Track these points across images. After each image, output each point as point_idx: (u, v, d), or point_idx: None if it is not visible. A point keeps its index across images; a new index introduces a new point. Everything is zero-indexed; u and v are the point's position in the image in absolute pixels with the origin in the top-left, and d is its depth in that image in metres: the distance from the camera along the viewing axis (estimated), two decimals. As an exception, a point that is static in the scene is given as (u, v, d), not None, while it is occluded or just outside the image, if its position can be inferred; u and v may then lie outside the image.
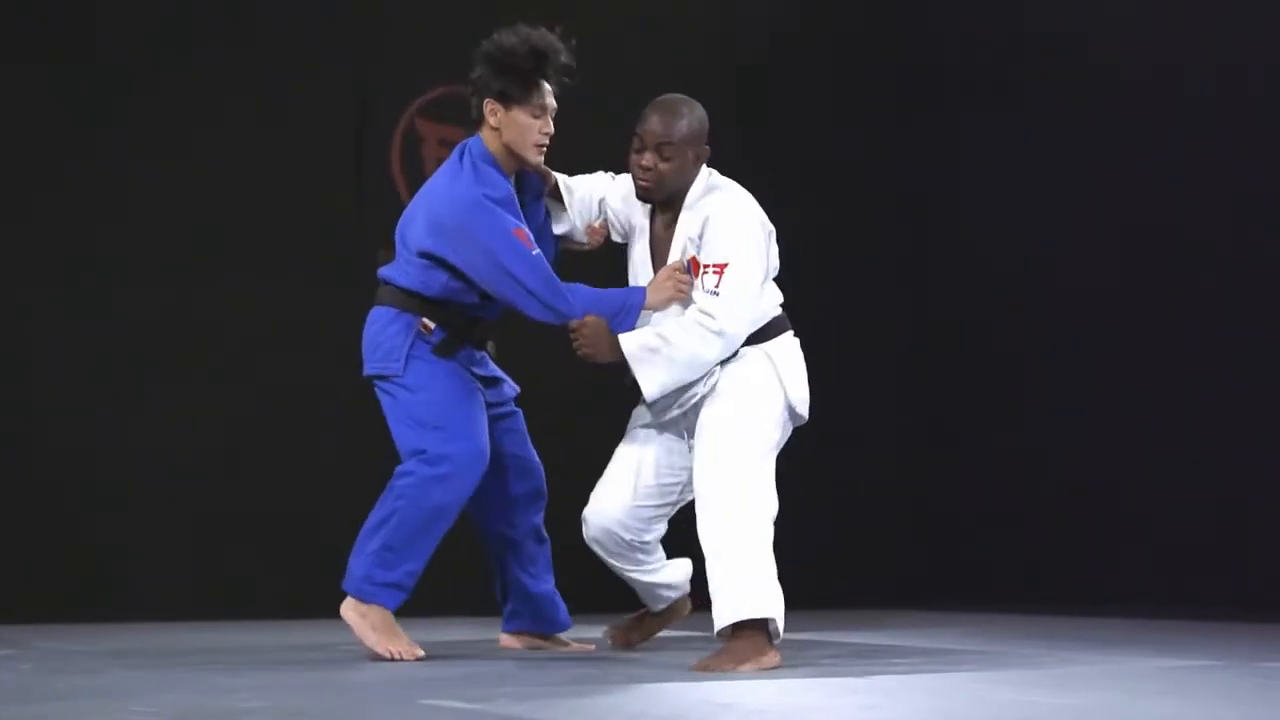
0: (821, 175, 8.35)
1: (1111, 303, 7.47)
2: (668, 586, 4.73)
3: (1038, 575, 7.65)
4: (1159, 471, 7.22)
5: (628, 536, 4.53)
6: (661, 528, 4.62)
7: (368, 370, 4.66)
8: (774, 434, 4.31)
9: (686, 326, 4.22)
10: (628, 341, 4.26)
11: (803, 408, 4.39)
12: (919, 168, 8.32)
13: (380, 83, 7.37)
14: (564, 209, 4.75)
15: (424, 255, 4.47)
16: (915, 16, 8.43)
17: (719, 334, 4.22)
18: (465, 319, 4.55)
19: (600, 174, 4.85)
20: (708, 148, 4.43)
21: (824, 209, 8.16)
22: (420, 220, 4.48)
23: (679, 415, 4.40)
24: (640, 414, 4.53)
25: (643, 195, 4.44)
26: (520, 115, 4.42)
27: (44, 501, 6.57)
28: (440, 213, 4.41)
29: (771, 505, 4.22)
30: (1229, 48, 6.99)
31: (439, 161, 7.37)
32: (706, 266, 4.25)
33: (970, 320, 8.13)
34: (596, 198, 4.76)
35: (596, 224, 4.70)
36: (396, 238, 4.64)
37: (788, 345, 4.42)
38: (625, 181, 4.62)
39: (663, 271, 4.38)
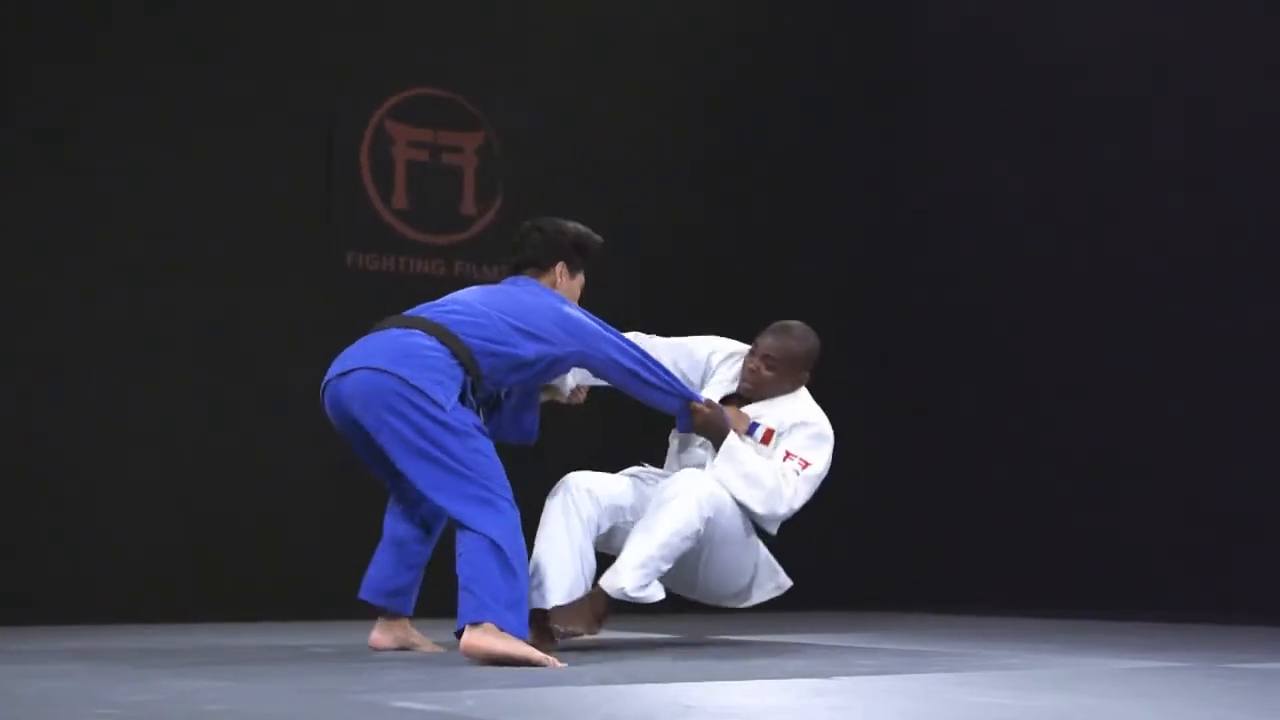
0: (794, 171, 8.38)
1: (1086, 305, 7.50)
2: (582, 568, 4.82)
3: (1007, 579, 7.68)
4: (1131, 477, 7.25)
5: (591, 512, 4.83)
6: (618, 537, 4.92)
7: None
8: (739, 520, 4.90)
9: (781, 468, 4.92)
10: (730, 444, 4.91)
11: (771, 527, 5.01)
12: (890, 163, 8.37)
13: (351, 85, 7.36)
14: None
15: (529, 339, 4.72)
16: (889, 15, 8.48)
17: (779, 495, 4.89)
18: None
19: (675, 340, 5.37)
20: (808, 374, 5.15)
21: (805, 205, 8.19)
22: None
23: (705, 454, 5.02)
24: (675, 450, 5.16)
25: (743, 391, 5.10)
26: (578, 282, 5.09)
27: (4, 503, 6.55)
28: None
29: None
30: (1217, 49, 7.03)
31: (409, 163, 7.44)
32: (792, 454, 4.96)
33: (944, 321, 8.15)
34: (697, 355, 5.30)
35: (583, 391, 5.16)
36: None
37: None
38: (725, 344, 5.29)
39: (740, 416, 5.00)
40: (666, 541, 4.68)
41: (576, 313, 4.81)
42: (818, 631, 5.77)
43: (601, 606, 4.68)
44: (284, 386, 7.03)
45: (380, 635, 4.87)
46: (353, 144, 7.33)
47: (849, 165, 8.54)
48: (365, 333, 4.75)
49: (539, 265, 4.99)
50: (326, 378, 4.69)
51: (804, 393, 5.13)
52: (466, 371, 4.54)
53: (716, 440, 4.90)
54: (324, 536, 7.07)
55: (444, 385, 4.45)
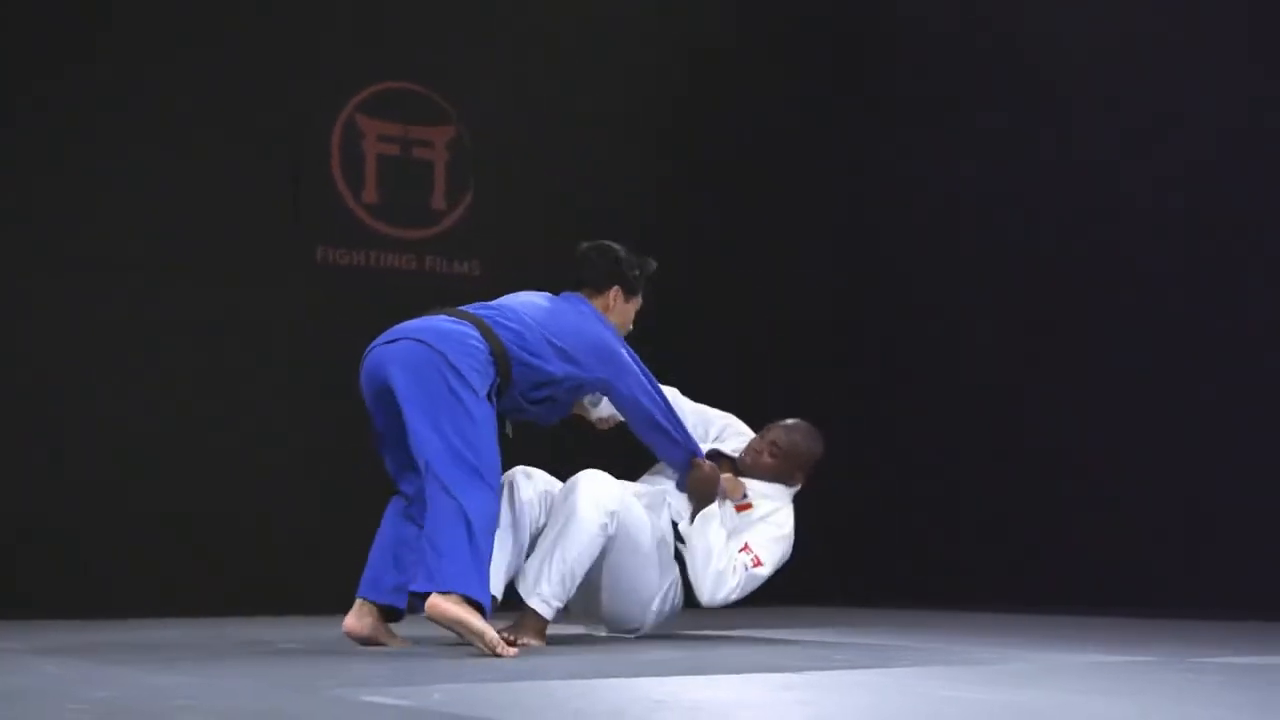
0: (773, 167, 8.40)
1: (1057, 307, 7.52)
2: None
3: (981, 574, 7.69)
4: (1100, 473, 7.27)
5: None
6: None
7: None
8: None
9: (735, 558, 5.04)
10: (709, 512, 5.11)
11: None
12: (874, 163, 8.38)
13: (320, 79, 7.34)
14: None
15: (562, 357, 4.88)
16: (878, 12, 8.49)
17: (723, 581, 5.02)
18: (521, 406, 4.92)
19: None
20: (803, 476, 5.34)
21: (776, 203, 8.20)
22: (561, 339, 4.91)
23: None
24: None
25: (741, 465, 5.29)
26: (632, 305, 5.21)
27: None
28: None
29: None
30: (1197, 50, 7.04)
31: (380, 157, 7.43)
32: (750, 548, 5.08)
33: (920, 320, 8.16)
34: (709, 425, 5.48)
35: (611, 422, 5.30)
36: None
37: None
38: (740, 425, 5.49)
39: (735, 484, 5.20)
40: (577, 558, 4.81)
41: (615, 343, 4.98)
42: (789, 626, 5.78)
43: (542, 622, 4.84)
44: (254, 381, 7.03)
45: (355, 620, 4.85)
46: (322, 138, 7.32)
47: (827, 160, 8.55)
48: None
49: (595, 287, 5.14)
50: (371, 346, 4.84)
51: (789, 493, 5.30)
52: (499, 373, 4.71)
53: (701, 503, 5.10)
54: (295, 532, 7.06)
55: (479, 374, 4.64)
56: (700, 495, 5.12)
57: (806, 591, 7.41)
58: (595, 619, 5.19)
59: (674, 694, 3.46)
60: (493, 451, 4.63)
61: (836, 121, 8.55)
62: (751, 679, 3.88)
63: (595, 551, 4.88)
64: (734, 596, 5.06)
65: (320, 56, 7.35)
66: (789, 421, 5.37)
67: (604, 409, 5.26)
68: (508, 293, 5.11)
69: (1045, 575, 7.42)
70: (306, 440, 7.15)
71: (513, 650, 4.41)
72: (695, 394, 5.42)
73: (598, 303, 5.12)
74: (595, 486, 4.90)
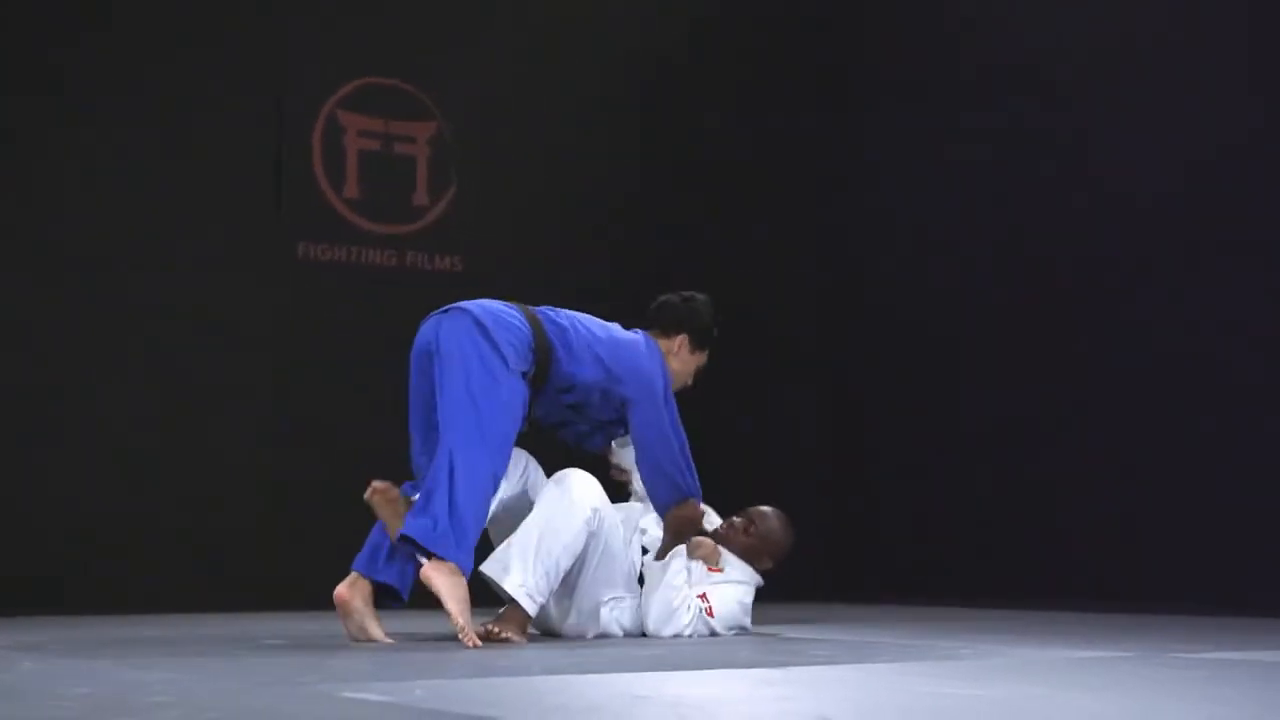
0: (756, 162, 8.40)
1: (1029, 307, 7.53)
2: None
3: (961, 570, 7.71)
4: (1083, 469, 7.28)
5: None
6: None
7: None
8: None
9: (693, 601, 5.14)
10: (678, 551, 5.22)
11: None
12: (843, 166, 8.38)
13: (302, 74, 7.33)
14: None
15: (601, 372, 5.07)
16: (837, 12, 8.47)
17: (677, 618, 5.10)
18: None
19: None
20: (771, 563, 5.43)
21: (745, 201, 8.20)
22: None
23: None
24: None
25: (717, 537, 5.36)
26: (697, 358, 5.40)
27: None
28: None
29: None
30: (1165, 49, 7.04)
31: (361, 153, 7.41)
32: (706, 597, 5.17)
33: (898, 318, 8.17)
34: None
35: (625, 475, 5.45)
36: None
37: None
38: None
39: (714, 548, 5.27)
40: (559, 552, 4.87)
41: (659, 378, 5.13)
42: (769, 622, 5.78)
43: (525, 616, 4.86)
44: (235, 376, 7.01)
45: (346, 589, 4.84)
46: (304, 134, 7.31)
47: (816, 160, 8.55)
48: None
49: (663, 329, 5.32)
50: (428, 315, 5.04)
51: (756, 577, 5.38)
52: (537, 362, 4.92)
53: (675, 540, 5.17)
54: (274, 526, 7.05)
55: (515, 350, 4.86)
56: (677, 530, 5.17)
57: (787, 587, 7.42)
58: (548, 620, 5.17)
59: (654, 689, 3.46)
60: (507, 420, 4.79)
61: (824, 121, 8.55)
62: (731, 674, 3.88)
63: (578, 548, 4.90)
64: (685, 633, 5.10)
65: (302, 52, 7.34)
66: (766, 509, 5.46)
67: (626, 458, 5.35)
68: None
69: (1030, 572, 7.43)
70: (288, 435, 7.14)
71: (477, 642, 4.55)
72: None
73: (663, 345, 5.27)
74: (584, 482, 4.96)
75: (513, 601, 4.82)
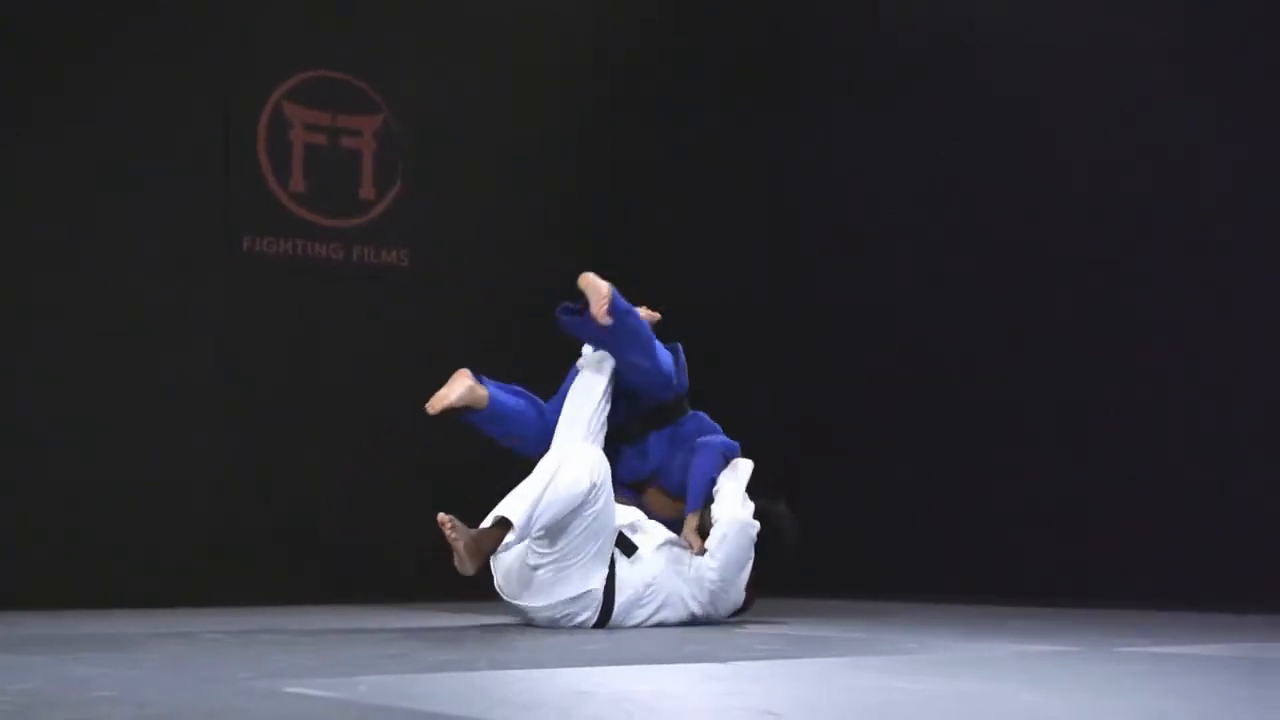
0: (706, 161, 8.39)
1: (1003, 301, 7.55)
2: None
3: (916, 566, 7.73)
4: (1032, 466, 7.32)
5: None
6: None
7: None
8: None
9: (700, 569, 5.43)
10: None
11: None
12: (801, 164, 8.38)
13: (247, 66, 7.29)
14: None
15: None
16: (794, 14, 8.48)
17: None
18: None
19: None
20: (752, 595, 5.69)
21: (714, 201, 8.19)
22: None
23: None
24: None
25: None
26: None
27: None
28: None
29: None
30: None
31: (307, 146, 7.37)
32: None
33: (878, 315, 8.16)
34: None
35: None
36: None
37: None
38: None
39: (695, 538, 5.51)
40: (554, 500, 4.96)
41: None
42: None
43: (491, 542, 4.90)
44: (181, 370, 6.97)
45: (470, 376, 5.39)
46: (249, 126, 7.26)
47: (759, 150, 8.55)
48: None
49: None
50: None
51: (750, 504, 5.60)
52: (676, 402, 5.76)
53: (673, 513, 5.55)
54: (217, 520, 7.01)
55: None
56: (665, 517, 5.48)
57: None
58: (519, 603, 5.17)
59: (599, 684, 3.46)
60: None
61: (763, 111, 8.56)
62: (677, 669, 3.88)
63: (572, 506, 4.95)
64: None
65: (248, 44, 7.30)
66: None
67: (696, 543, 5.46)
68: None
69: (980, 568, 7.46)
70: (234, 427, 7.10)
71: (449, 530, 4.72)
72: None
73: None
74: (598, 454, 5.11)
75: (494, 520, 4.86)
